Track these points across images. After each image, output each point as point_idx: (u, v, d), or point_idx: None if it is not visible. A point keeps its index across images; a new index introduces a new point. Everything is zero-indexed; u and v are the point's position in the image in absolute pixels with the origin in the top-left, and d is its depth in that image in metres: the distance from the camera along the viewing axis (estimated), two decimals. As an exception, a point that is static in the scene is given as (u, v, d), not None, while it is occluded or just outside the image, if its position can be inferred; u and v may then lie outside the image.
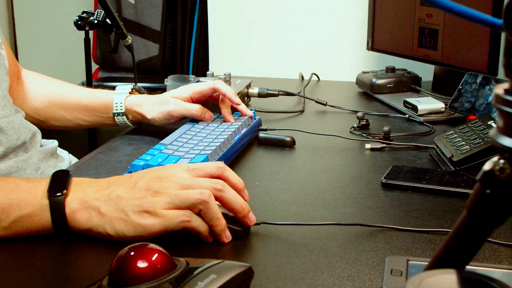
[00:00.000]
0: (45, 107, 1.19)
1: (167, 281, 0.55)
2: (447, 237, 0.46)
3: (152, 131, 1.25)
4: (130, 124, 1.22)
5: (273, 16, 2.00)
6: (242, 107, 1.21)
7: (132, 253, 0.57)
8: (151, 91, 2.45)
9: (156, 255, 0.57)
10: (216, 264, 0.59)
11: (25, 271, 0.70)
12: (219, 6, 2.03)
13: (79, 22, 1.72)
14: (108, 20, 1.64)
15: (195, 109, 1.17)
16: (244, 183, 0.79)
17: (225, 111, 1.19)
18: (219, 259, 0.61)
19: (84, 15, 1.72)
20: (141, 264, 0.56)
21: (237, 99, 1.19)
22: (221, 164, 0.78)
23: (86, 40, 1.77)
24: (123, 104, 1.19)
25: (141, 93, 1.25)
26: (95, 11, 1.74)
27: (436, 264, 0.46)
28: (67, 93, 1.23)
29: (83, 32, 1.77)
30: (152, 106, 1.18)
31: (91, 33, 1.79)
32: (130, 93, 1.21)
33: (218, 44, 2.06)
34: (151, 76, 2.60)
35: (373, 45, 1.75)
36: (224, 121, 1.18)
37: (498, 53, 1.34)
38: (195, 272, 0.57)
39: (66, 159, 1.21)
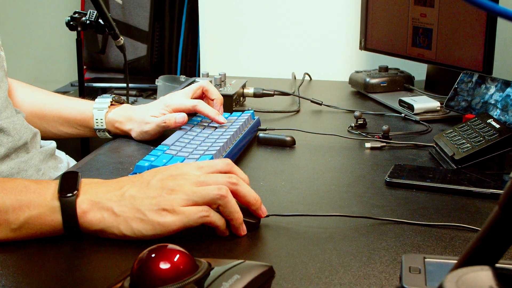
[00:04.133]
0: (27, 118, 1.16)
1: (191, 282, 0.55)
2: (478, 234, 0.46)
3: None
4: (111, 137, 1.21)
5: (265, 16, 1.99)
6: (221, 119, 1.16)
7: (153, 255, 0.56)
8: (141, 91, 2.47)
9: (178, 256, 0.56)
10: (238, 264, 0.59)
11: (38, 274, 0.69)
12: (210, 6, 2.02)
13: (71, 23, 1.70)
14: (100, 21, 1.63)
15: (167, 121, 1.12)
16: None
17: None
18: (240, 259, 0.61)
19: (76, 15, 1.71)
20: (164, 265, 0.55)
21: (221, 119, 1.14)
22: (229, 161, 0.80)
23: (78, 41, 1.75)
24: (103, 120, 1.18)
25: (121, 103, 1.23)
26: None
27: (467, 260, 0.46)
28: (48, 105, 1.21)
29: (67, 33, 1.75)
30: (133, 125, 1.16)
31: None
32: (110, 105, 1.19)
33: (210, 44, 2.05)
34: (139, 77, 2.59)
35: (365, 45, 1.76)
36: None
37: (493, 52, 1.35)
38: (219, 273, 0.57)
39: (65, 160, 1.20)
